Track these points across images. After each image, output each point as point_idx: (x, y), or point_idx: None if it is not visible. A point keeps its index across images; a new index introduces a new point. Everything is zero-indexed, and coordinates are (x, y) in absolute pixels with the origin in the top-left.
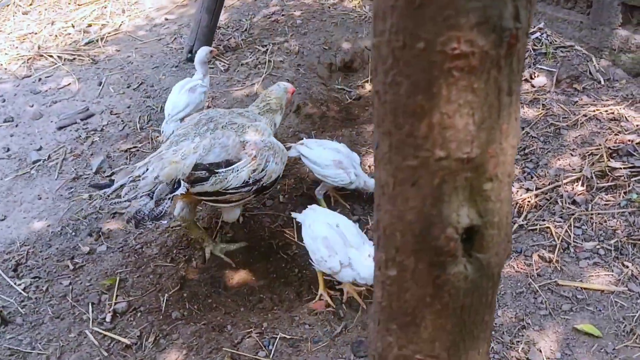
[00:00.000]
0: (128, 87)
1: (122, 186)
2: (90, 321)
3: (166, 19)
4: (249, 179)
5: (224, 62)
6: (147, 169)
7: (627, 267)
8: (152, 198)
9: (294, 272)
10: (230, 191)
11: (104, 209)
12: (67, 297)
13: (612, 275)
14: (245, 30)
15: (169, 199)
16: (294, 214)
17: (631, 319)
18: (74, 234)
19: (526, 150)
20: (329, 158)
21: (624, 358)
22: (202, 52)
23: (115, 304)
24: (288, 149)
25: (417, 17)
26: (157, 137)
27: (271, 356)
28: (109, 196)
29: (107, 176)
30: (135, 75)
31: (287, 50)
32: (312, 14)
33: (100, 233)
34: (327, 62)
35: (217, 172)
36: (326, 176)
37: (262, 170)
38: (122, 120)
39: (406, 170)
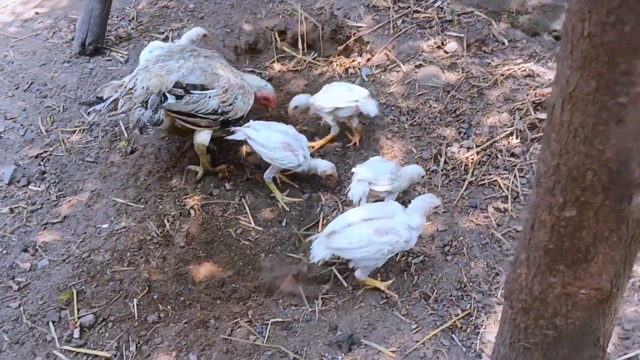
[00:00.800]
0: (17, 89)
1: (114, 101)
2: (56, 340)
3: (37, 13)
4: (218, 108)
5: (122, 53)
6: (136, 81)
7: None
8: (147, 108)
9: (260, 256)
10: (200, 115)
11: (31, 220)
12: (20, 319)
13: None
14: (133, 18)
15: (161, 108)
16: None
17: None
18: (5, 252)
19: (457, 112)
20: (277, 141)
21: None
22: (194, 32)
23: (80, 317)
24: (233, 133)
25: None
26: (69, 138)
27: (267, 341)
28: (100, 111)
29: (35, 174)
30: (20, 75)
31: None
32: None
33: (37, 247)
34: (233, 45)
35: (192, 93)
36: (274, 159)
37: (230, 104)
38: (21, 125)
39: (613, 108)
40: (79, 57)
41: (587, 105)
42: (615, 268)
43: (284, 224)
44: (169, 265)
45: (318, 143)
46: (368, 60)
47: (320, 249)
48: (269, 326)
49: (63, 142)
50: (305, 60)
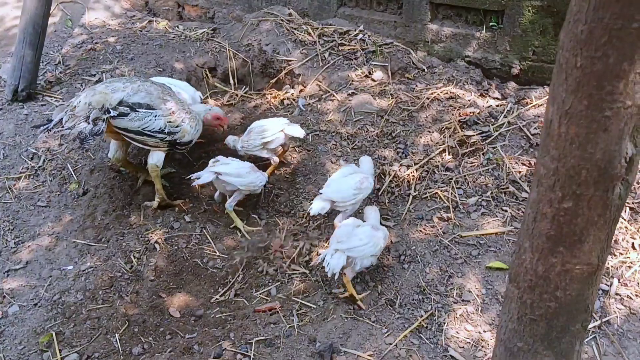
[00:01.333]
0: None
1: (60, 120)
2: None
3: None
4: (165, 127)
5: (56, 97)
6: (80, 98)
7: (506, 210)
8: (88, 123)
9: (229, 281)
10: (147, 133)
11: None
12: None
13: (498, 219)
14: (59, 62)
15: (103, 120)
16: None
17: None
18: None
19: (393, 135)
20: (246, 166)
21: None
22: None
23: (64, 358)
24: (198, 179)
25: (633, 5)
26: (15, 185)
27: (254, 359)
28: (50, 130)
29: None
30: None
31: (122, 76)
32: (128, 39)
33: (3, 294)
34: None
35: (138, 111)
36: (250, 183)
37: (177, 125)
38: None
39: (601, 120)
40: (12, 104)
41: (580, 119)
42: (601, 246)
43: (246, 249)
44: (142, 299)
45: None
46: (301, 91)
47: (336, 258)
48: (252, 345)
49: (10, 189)
50: (237, 95)
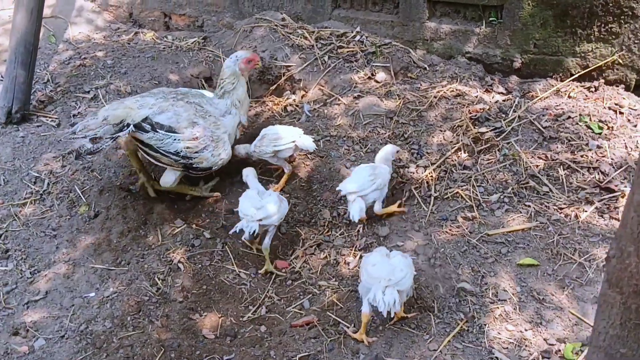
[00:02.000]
0: None
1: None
2: None
3: None
4: (181, 151)
5: (51, 117)
6: (101, 111)
7: (529, 206)
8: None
9: (259, 297)
10: (162, 151)
11: (10, 301)
12: None
13: (522, 215)
14: (48, 81)
15: (111, 138)
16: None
17: (552, 244)
18: None
19: (405, 136)
20: (275, 199)
21: (565, 274)
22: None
23: None
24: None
25: None
26: (21, 211)
27: None
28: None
29: None
30: None
31: (117, 91)
32: (118, 52)
33: (27, 328)
34: None
35: (158, 132)
36: (283, 215)
37: (196, 152)
38: None
39: None
40: (6, 127)
41: None
42: None
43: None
44: (174, 321)
45: (279, 185)
46: (303, 96)
47: (389, 295)
48: None
49: (16, 216)
50: None
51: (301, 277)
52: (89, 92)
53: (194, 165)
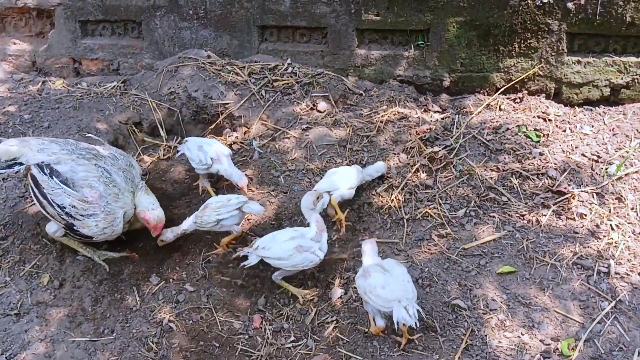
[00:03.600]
0: None
1: None
2: None
3: None
4: (66, 207)
5: None
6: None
7: (494, 217)
8: None
9: (261, 344)
10: (49, 199)
11: None
12: None
13: (490, 226)
14: None
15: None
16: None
17: (523, 250)
18: None
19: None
20: (290, 248)
21: (541, 276)
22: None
23: None
24: (245, 258)
25: None
26: None
27: None
28: None
29: None
30: None
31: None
32: (32, 105)
33: None
34: None
35: (53, 179)
36: (296, 265)
37: (82, 215)
38: None
39: None
40: None
41: None
42: None
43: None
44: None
45: (222, 244)
46: (245, 133)
47: (411, 310)
48: None
49: None
50: (170, 147)
51: (295, 320)
52: None
53: (75, 228)
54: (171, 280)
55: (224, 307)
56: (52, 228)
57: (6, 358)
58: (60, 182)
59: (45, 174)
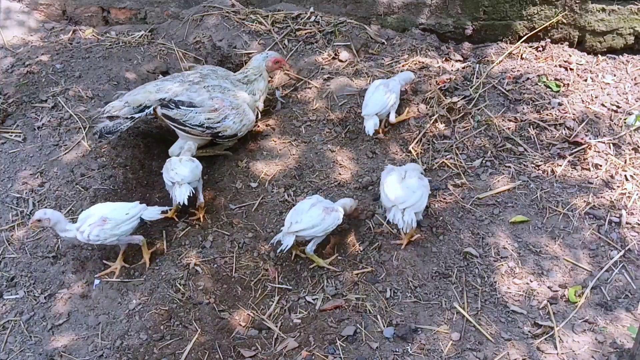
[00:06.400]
0: None
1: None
2: None
3: None
4: (204, 123)
5: (14, 132)
6: (124, 97)
7: (509, 167)
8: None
9: (282, 288)
10: (188, 125)
11: (33, 329)
12: None
13: (505, 176)
14: None
15: (131, 119)
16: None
17: (537, 200)
18: None
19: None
20: (319, 212)
21: (553, 225)
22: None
23: None
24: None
25: None
26: (12, 235)
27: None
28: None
29: None
30: None
31: (79, 97)
32: (64, 54)
33: (60, 353)
34: None
35: (180, 108)
36: (327, 228)
37: (218, 122)
38: None
39: None
40: None
41: None
42: None
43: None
44: (207, 324)
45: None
46: (269, 82)
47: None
48: (338, 344)
49: (8, 241)
50: None
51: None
52: (46, 100)
53: (220, 134)
54: (196, 226)
55: (250, 251)
56: (187, 146)
57: (44, 297)
58: (187, 107)
59: (172, 108)
